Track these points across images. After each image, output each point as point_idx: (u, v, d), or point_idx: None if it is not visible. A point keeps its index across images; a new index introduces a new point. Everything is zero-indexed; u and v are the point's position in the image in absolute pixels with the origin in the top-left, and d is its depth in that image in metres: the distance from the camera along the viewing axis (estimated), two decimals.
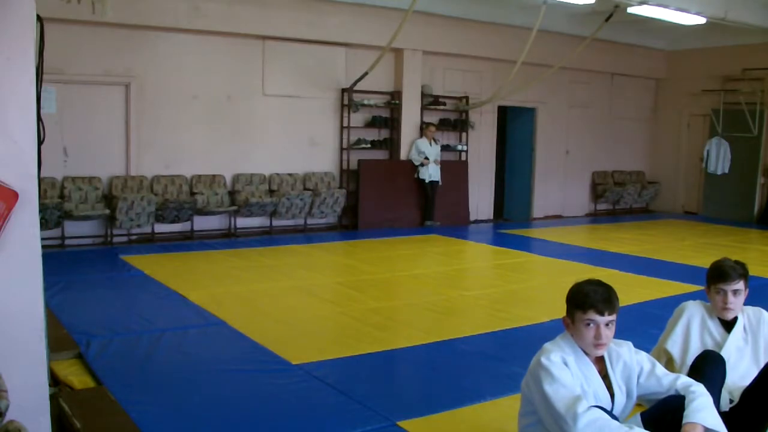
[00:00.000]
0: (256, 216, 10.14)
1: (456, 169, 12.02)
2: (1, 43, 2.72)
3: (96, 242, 9.13)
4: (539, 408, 2.77)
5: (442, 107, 11.98)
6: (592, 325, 2.73)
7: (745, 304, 3.57)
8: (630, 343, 2.96)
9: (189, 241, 9.51)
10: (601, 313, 2.72)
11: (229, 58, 10.04)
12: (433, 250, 9.60)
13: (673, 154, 14.75)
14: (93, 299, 6.25)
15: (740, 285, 3.46)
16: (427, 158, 11.30)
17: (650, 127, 15.14)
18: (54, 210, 8.33)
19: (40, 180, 2.93)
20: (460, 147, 12.18)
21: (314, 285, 7.04)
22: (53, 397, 3.48)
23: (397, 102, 11.45)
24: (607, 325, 2.74)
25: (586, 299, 2.73)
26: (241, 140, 10.25)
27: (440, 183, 11.52)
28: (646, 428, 2.77)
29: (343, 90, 10.99)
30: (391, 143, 11.59)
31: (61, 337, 4.78)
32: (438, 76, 12.02)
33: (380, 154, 11.58)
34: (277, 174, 10.54)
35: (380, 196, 11.22)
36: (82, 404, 3.75)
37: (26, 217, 2.82)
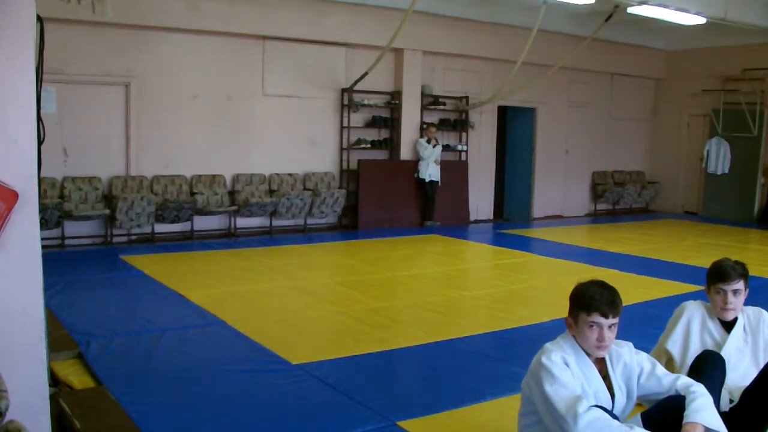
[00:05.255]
0: (256, 216, 10.13)
1: (456, 169, 12.02)
2: (1, 43, 2.72)
3: (96, 242, 9.13)
4: (540, 408, 2.77)
5: (442, 107, 11.98)
6: (595, 327, 2.74)
7: (745, 304, 3.57)
8: (630, 344, 2.96)
9: (189, 241, 9.51)
10: (605, 316, 2.72)
11: (229, 58, 10.04)
12: (433, 250, 9.60)
13: (673, 154, 14.74)
14: (93, 299, 6.25)
15: (740, 285, 3.46)
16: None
17: (650, 127, 15.13)
18: (54, 210, 8.32)
19: (40, 180, 2.93)
20: (460, 147, 12.18)
21: (314, 285, 7.05)
22: (53, 397, 3.48)
23: (397, 102, 11.45)
24: (609, 327, 2.75)
25: (591, 301, 2.73)
26: (241, 140, 10.24)
27: (440, 183, 11.52)
28: (646, 428, 2.77)
29: (343, 90, 10.98)
30: (391, 143, 11.59)
31: (61, 337, 4.78)
32: (438, 76, 12.01)
33: (380, 154, 11.58)
34: (277, 174, 10.54)
35: (380, 196, 11.22)
36: (82, 404, 3.76)
37: (26, 217, 2.82)
